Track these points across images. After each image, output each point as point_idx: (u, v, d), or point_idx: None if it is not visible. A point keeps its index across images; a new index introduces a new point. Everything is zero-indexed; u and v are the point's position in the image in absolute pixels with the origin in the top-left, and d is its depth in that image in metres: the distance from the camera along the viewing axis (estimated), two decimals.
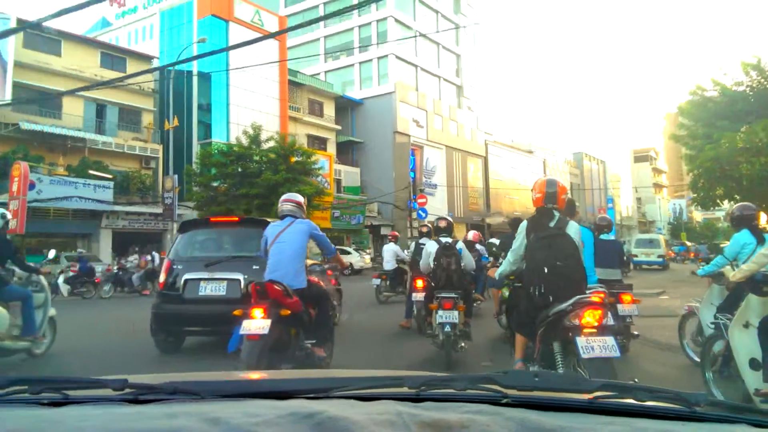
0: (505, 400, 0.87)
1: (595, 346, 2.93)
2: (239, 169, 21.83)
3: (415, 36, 36.51)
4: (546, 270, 3.25)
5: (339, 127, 35.65)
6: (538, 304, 3.26)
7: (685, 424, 0.80)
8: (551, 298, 3.19)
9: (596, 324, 3.04)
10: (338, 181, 34.35)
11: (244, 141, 22.36)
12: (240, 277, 5.39)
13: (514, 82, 49.88)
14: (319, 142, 34.42)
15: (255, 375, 1.58)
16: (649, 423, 0.80)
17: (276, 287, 3.71)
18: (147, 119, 26.24)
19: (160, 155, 25.16)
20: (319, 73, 38.58)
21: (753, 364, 3.20)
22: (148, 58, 26.74)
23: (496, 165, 46.22)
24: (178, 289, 5.62)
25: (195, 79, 27.05)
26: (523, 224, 3.59)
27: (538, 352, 3.29)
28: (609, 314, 3.25)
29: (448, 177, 39.36)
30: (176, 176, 19.97)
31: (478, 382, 0.92)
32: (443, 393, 0.91)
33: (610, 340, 2.97)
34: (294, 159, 22.77)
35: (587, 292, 3.33)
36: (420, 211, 25.92)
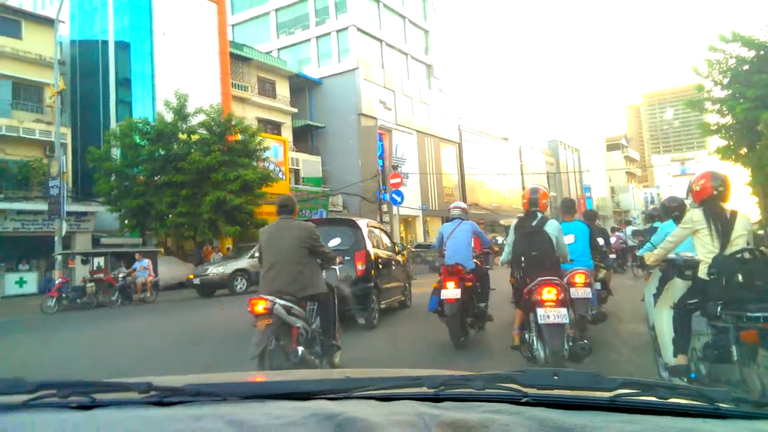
0: (524, 399, 0.86)
1: (550, 314, 3.98)
2: (161, 152, 17.14)
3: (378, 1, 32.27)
4: (523, 258, 4.48)
5: (295, 110, 31.13)
6: (520, 286, 4.45)
7: (707, 422, 0.79)
8: (528, 281, 4.29)
9: (555, 298, 4.01)
10: (296, 172, 29.83)
11: (168, 116, 17.67)
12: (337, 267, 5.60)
13: (485, 64, 46.70)
14: (273, 127, 29.82)
15: (275, 376, 1.64)
16: (671, 421, 0.79)
17: (459, 267, 5.71)
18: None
19: (69, 140, 20.17)
20: (270, 51, 33.91)
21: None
22: (50, 22, 21.66)
23: (471, 152, 42.45)
24: None
25: (112, 48, 22.10)
26: (513, 223, 4.97)
27: (521, 322, 4.49)
28: (569, 290, 4.46)
29: (420, 165, 35.31)
30: (63, 158, 15.02)
31: (498, 381, 0.91)
32: (462, 392, 0.91)
33: (563, 311, 3.99)
34: (235, 137, 18.20)
35: (570, 272, 5.09)
36: (394, 194, 21.32)
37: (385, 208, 29.74)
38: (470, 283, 5.84)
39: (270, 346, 3.87)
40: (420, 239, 33.63)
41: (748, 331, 2.90)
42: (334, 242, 6.54)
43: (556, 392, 0.88)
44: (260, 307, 3.90)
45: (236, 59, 27.70)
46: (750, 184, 42.19)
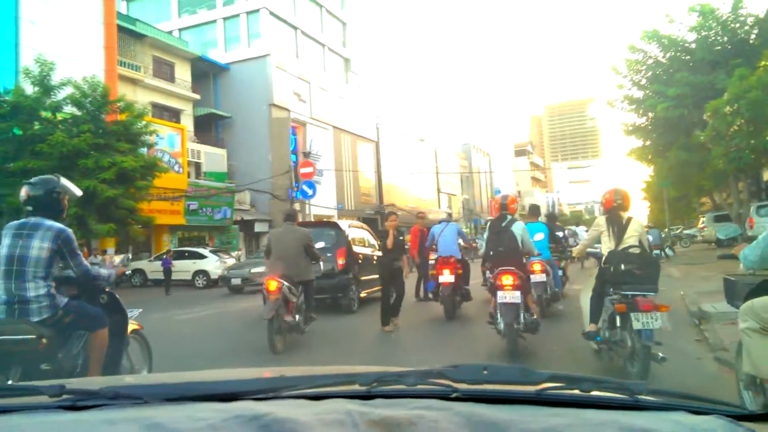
0: (454, 395, 0.87)
1: (507, 296, 4.97)
2: (16, 131, 13.76)
3: None
4: (492, 253, 5.50)
5: (197, 96, 27.90)
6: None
7: (627, 413, 0.81)
8: (495, 270, 5.32)
9: (511, 283, 4.99)
10: (197, 165, 26.68)
11: (29, 88, 14.27)
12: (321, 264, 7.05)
13: (403, 64, 45.63)
14: (171, 114, 26.45)
15: (202, 376, 1.40)
16: (594, 413, 0.81)
17: (451, 259, 7.52)
18: None
19: None
20: (171, 31, 30.30)
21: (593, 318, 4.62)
22: None
23: (388, 152, 41.22)
24: None
25: None
26: (488, 223, 6.15)
27: (492, 306, 5.47)
28: (528, 277, 5.84)
29: (336, 162, 33.37)
30: None
31: (429, 377, 0.92)
32: (394, 389, 0.90)
33: (516, 293, 4.96)
34: (115, 118, 15.15)
35: (529, 262, 6.40)
36: (305, 186, 18.66)
37: (297, 206, 27.45)
38: (460, 271, 7.83)
39: (276, 313, 5.61)
40: None
41: (620, 304, 4.11)
42: (320, 245, 7.72)
43: (485, 387, 0.89)
44: (273, 286, 5.77)
45: (127, 34, 24.12)
46: (645, 190, 44.89)
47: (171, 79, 27.09)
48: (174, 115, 26.67)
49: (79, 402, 0.88)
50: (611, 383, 0.90)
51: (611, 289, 4.28)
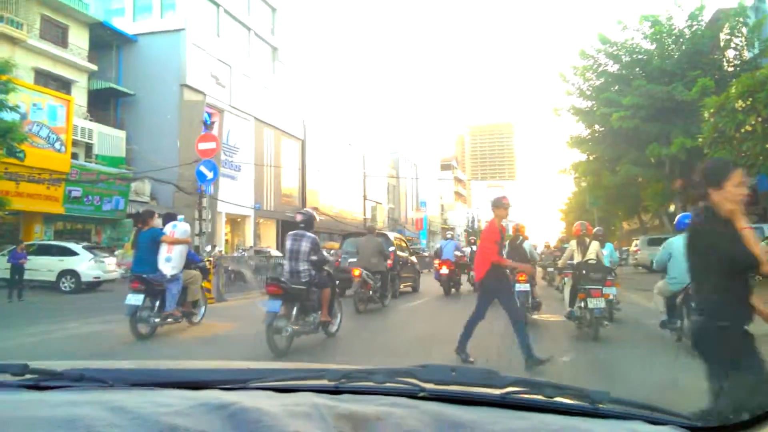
0: (421, 394, 0.88)
1: (521, 287, 7.66)
2: None
3: None
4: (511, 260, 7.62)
5: (94, 67, 23.95)
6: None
7: (586, 420, 0.83)
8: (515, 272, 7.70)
9: (525, 279, 7.79)
10: (88, 146, 22.75)
11: None
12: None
13: (333, 61, 43.28)
14: (60, 85, 22.37)
15: (169, 365, 1.37)
16: (554, 418, 0.82)
17: (447, 261, 13.08)
18: None
19: None
20: None
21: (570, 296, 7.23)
22: None
23: (315, 152, 38.66)
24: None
25: None
26: (508, 241, 8.62)
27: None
28: (533, 276, 8.46)
29: (257, 158, 30.34)
30: None
31: (397, 375, 0.93)
32: (362, 386, 0.92)
33: (527, 285, 7.84)
34: None
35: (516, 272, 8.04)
36: (203, 167, 14.11)
37: (205, 202, 24.17)
38: (452, 268, 13.00)
39: (359, 288, 9.41)
40: (250, 242, 28.59)
41: (581, 293, 6.73)
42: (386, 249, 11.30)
43: (452, 388, 0.90)
44: (357, 273, 9.39)
45: None
46: (563, 210, 45.50)
47: (62, 43, 23.02)
48: (63, 85, 22.60)
49: (42, 382, 0.88)
50: (573, 390, 0.90)
51: (578, 285, 6.91)
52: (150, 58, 25.38)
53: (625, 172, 15.00)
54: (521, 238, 8.69)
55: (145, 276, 6.59)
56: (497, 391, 0.88)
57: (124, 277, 14.42)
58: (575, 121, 16.70)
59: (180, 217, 8.48)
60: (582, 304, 6.65)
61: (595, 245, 7.33)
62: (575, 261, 7.38)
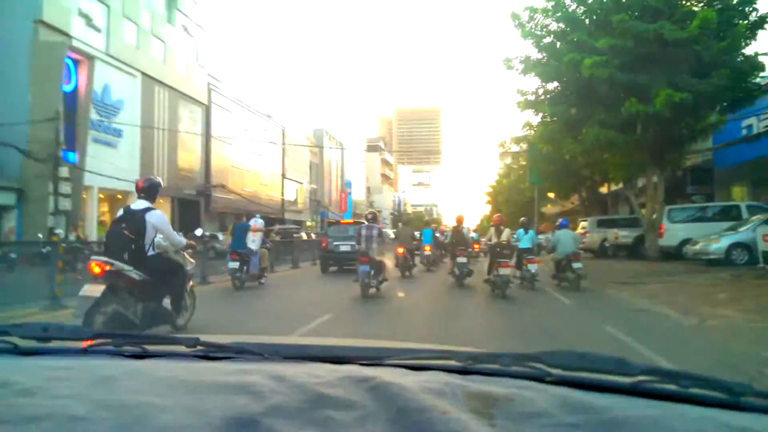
0: (549, 378, 0.89)
1: (460, 259, 11.23)
2: None
3: None
4: (455, 241, 12.02)
5: None
6: (452, 254, 12.53)
7: (725, 412, 0.81)
8: (456, 250, 11.65)
9: (463, 254, 11.44)
10: None
11: None
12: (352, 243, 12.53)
13: (251, 23, 38.27)
14: None
15: (313, 341, 1.64)
16: (689, 409, 0.81)
17: (428, 245, 16.85)
18: None
19: None
20: None
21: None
22: None
23: (222, 122, 33.52)
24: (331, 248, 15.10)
25: None
26: (450, 230, 14.44)
27: (451, 266, 12.08)
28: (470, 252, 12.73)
29: (145, 121, 24.97)
30: None
31: (524, 360, 0.95)
32: (489, 368, 0.95)
33: (465, 258, 11.26)
34: None
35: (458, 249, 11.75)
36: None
37: (66, 172, 18.88)
38: (430, 249, 16.14)
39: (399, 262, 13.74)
40: None
41: (494, 264, 9.67)
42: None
43: (580, 374, 0.91)
44: (400, 251, 13.96)
45: None
46: (489, 194, 43.31)
47: None
48: None
49: (210, 353, 1.01)
50: (712, 381, 0.86)
51: (495, 259, 9.80)
52: None
53: (594, 135, 12.02)
54: (462, 226, 12.64)
55: (239, 250, 10.65)
56: (628, 380, 0.88)
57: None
58: (532, 76, 13.50)
59: (257, 216, 12.39)
60: (496, 273, 9.53)
61: (506, 232, 10.92)
62: (493, 242, 10.81)
